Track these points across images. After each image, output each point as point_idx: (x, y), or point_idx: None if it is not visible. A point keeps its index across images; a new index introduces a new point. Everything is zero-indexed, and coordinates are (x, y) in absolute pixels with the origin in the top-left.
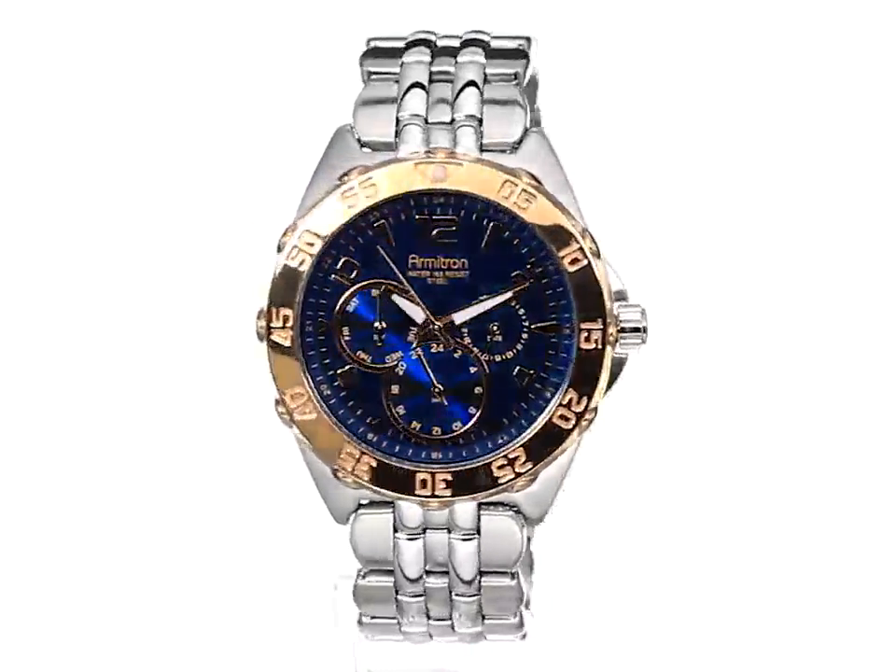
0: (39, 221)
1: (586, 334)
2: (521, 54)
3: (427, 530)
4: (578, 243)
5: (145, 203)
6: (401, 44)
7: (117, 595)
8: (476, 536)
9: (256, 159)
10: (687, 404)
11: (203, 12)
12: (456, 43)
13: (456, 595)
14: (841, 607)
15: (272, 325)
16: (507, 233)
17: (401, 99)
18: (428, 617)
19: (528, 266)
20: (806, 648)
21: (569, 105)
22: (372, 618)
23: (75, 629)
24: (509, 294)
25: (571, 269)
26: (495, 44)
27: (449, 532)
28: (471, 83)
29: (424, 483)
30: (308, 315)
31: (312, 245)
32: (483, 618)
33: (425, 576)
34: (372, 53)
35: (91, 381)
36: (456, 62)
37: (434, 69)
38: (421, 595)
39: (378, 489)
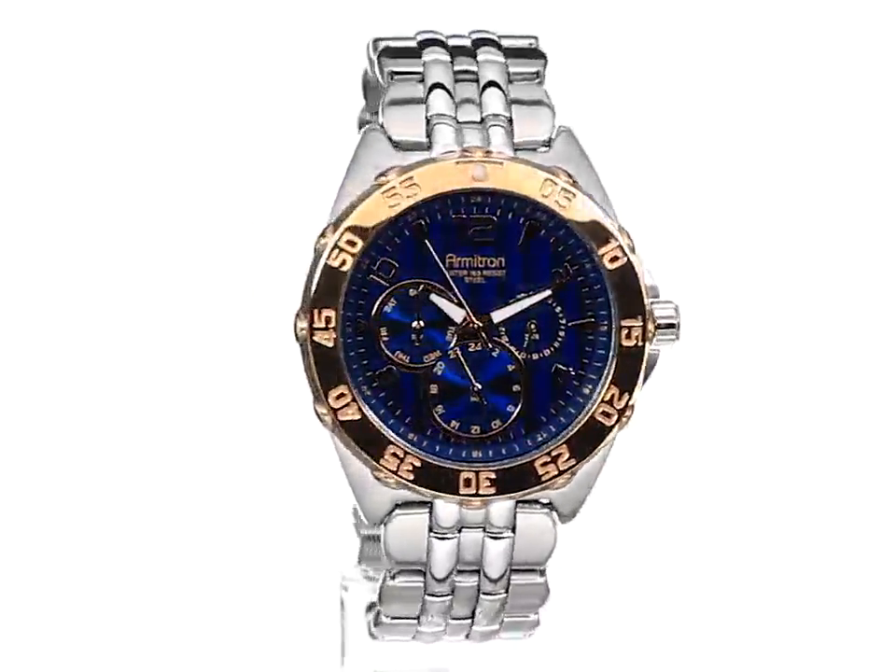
0: (65, 223)
1: (626, 331)
2: (538, 53)
3: (462, 529)
4: (617, 240)
5: (153, 208)
6: (413, 43)
7: (120, 593)
8: (511, 534)
9: (257, 159)
10: (698, 403)
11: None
12: (467, 42)
13: (483, 593)
14: (861, 617)
15: (314, 326)
16: (543, 231)
17: (427, 99)
18: (450, 616)
19: (565, 264)
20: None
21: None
22: (393, 618)
23: (83, 623)
24: (547, 292)
25: (611, 266)
26: (506, 43)
27: (483, 530)
28: (495, 82)
29: (468, 482)
30: (348, 315)
31: (353, 244)
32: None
33: (454, 575)
34: (390, 53)
35: (96, 376)
36: (476, 61)
37: (457, 68)
38: (449, 595)
39: (422, 489)
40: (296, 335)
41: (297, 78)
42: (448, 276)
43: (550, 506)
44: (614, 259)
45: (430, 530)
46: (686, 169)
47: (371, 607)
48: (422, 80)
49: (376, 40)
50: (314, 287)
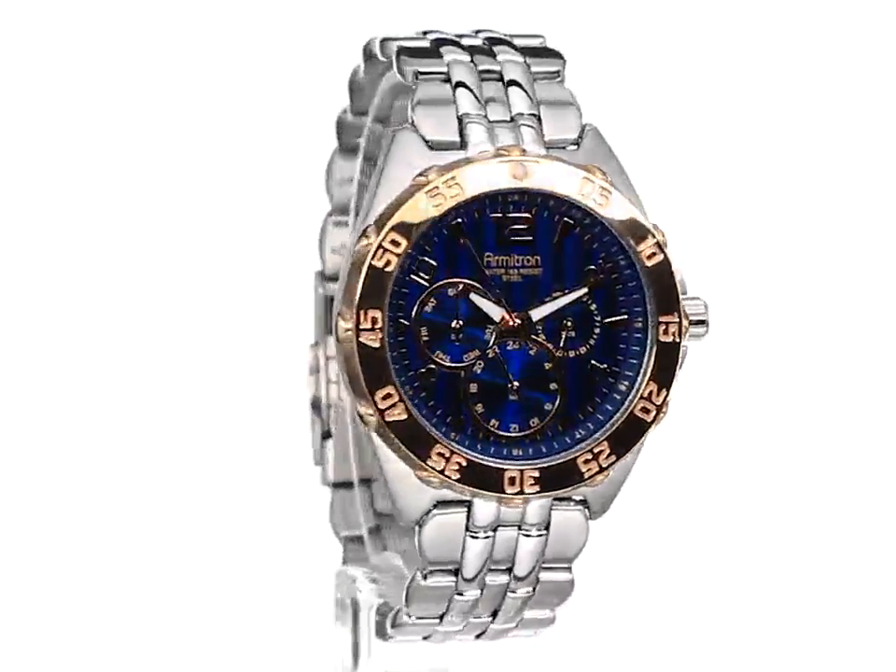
0: (69, 224)
1: (664, 327)
2: (555, 52)
3: (498, 528)
4: (654, 237)
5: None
6: (427, 43)
7: (113, 596)
8: (544, 531)
9: (232, 166)
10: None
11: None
12: (478, 42)
13: (511, 591)
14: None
15: (360, 327)
16: (578, 229)
17: (455, 98)
18: (472, 615)
19: (599, 262)
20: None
21: None
22: (417, 618)
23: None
24: (583, 290)
25: (649, 263)
26: (519, 42)
27: (518, 529)
28: (519, 82)
29: (512, 480)
30: (390, 315)
31: (398, 245)
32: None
33: (485, 574)
34: (411, 53)
35: (98, 374)
36: (497, 60)
37: (480, 68)
38: (477, 594)
39: (467, 488)
40: (337, 336)
41: (278, 79)
42: (489, 275)
43: (583, 502)
44: (651, 255)
45: (467, 529)
46: (686, 169)
47: (382, 608)
48: (446, 80)
49: (385, 40)
50: (359, 288)
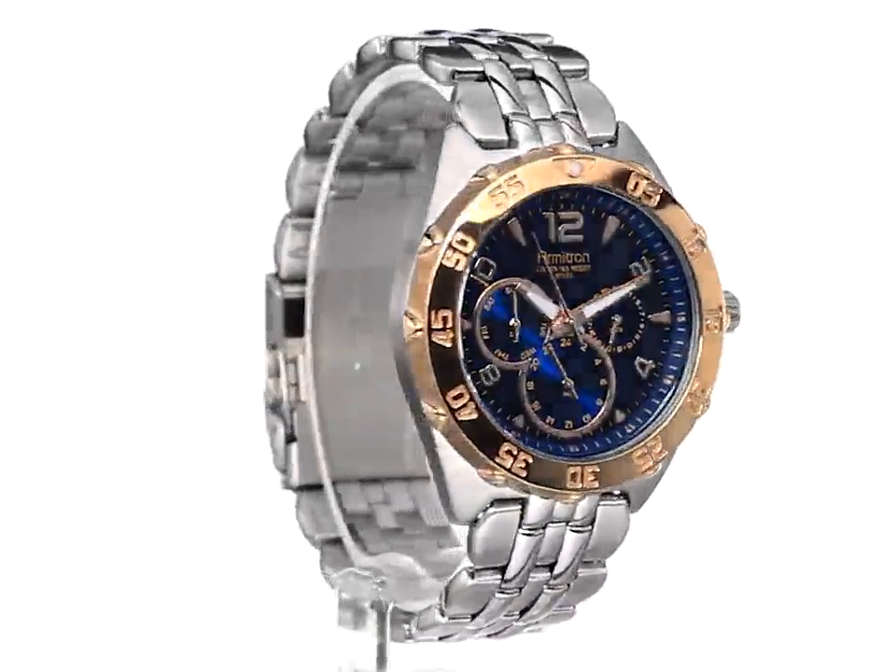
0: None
1: (708, 321)
2: (576, 52)
3: (548, 525)
4: (696, 233)
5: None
6: (446, 43)
7: (117, 595)
8: (590, 526)
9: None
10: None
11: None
12: (496, 41)
13: (548, 586)
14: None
15: (432, 327)
16: (623, 226)
17: (496, 97)
18: (504, 613)
19: (643, 258)
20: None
21: None
22: (450, 618)
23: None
24: (632, 286)
25: (694, 259)
26: (535, 41)
27: (566, 524)
28: (551, 80)
29: (574, 476)
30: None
31: (465, 244)
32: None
33: (529, 570)
34: (440, 52)
35: (46, 377)
36: (525, 59)
37: (513, 67)
38: (516, 591)
39: (533, 486)
40: (404, 336)
41: (231, 81)
42: (543, 273)
43: (625, 496)
44: (695, 252)
45: (519, 527)
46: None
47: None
48: (482, 79)
49: (396, 40)
50: (430, 288)
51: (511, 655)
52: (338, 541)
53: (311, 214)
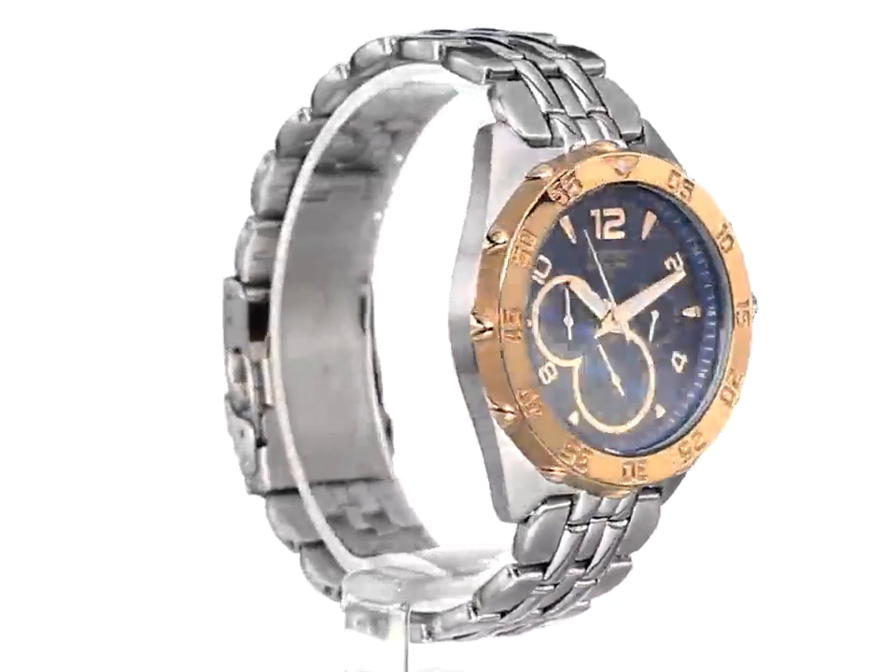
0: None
1: (738, 314)
2: (591, 52)
3: (591, 521)
4: (726, 228)
5: None
6: (464, 43)
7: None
8: (626, 521)
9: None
10: None
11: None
12: (509, 40)
13: (580, 581)
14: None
15: (505, 326)
16: (660, 222)
17: (533, 95)
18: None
19: (676, 253)
20: None
21: None
22: (482, 618)
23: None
24: (672, 282)
25: (726, 253)
26: (548, 41)
27: (607, 520)
28: (577, 79)
29: (626, 472)
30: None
31: (529, 243)
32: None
33: (567, 567)
34: (467, 51)
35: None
36: (548, 58)
37: (541, 66)
38: (552, 587)
39: (592, 482)
40: (470, 336)
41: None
42: (593, 270)
43: (658, 490)
44: (726, 246)
45: (566, 524)
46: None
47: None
48: (513, 78)
49: (402, 39)
50: (500, 288)
51: (511, 655)
52: (319, 544)
53: (277, 217)
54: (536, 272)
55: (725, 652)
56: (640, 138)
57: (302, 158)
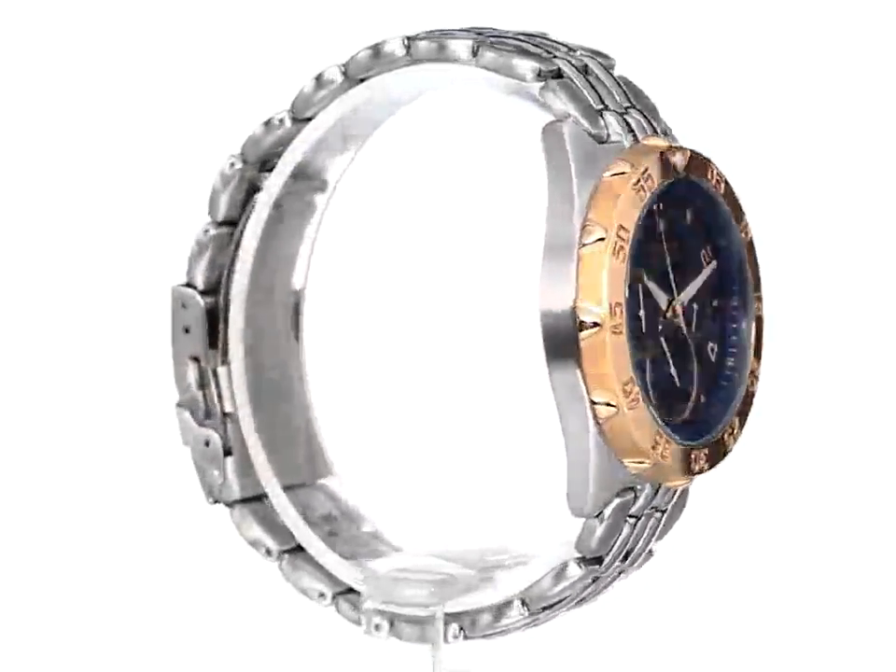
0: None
1: (757, 302)
2: (599, 50)
3: (645, 511)
4: (745, 218)
5: None
6: (486, 40)
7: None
8: (663, 512)
9: None
10: None
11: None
12: (524, 38)
13: (621, 572)
14: None
15: (611, 321)
16: (695, 215)
17: (585, 92)
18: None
19: (708, 245)
20: None
21: None
22: (528, 614)
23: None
24: (708, 272)
25: (745, 244)
26: (551, 38)
27: (656, 510)
28: (601, 77)
29: (691, 460)
30: None
31: (624, 238)
32: None
33: (617, 558)
34: (515, 52)
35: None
36: (577, 55)
37: (575, 64)
38: (594, 581)
39: (669, 471)
40: (574, 330)
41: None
42: (656, 263)
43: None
44: (747, 235)
45: (628, 515)
46: None
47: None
48: (557, 76)
49: (410, 38)
50: (605, 282)
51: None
52: (299, 549)
53: (233, 223)
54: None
55: (725, 652)
56: (667, 133)
57: (269, 165)
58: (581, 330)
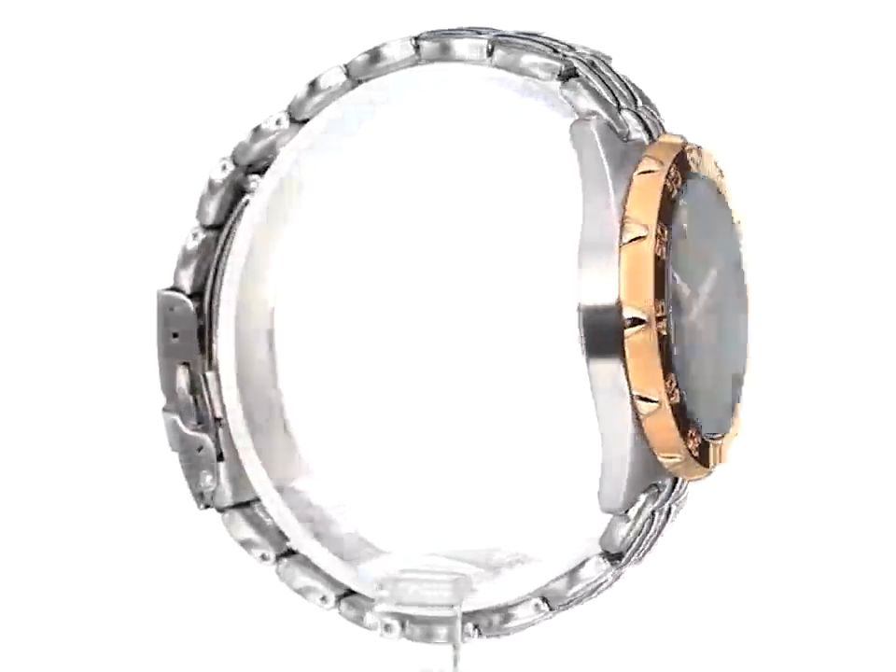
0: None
1: (749, 291)
2: (597, 51)
3: (662, 507)
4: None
5: None
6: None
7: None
8: (673, 506)
9: None
10: None
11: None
12: (529, 37)
13: (632, 564)
14: None
15: (657, 317)
16: (709, 209)
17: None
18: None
19: (712, 238)
20: None
21: None
22: (546, 611)
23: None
24: (716, 265)
25: (743, 234)
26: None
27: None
28: (608, 75)
29: (715, 453)
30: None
31: (664, 234)
32: None
33: (636, 551)
34: (535, 51)
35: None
36: (583, 55)
37: (586, 62)
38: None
39: (699, 466)
40: (621, 326)
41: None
42: (682, 259)
43: None
44: (742, 227)
45: (652, 511)
46: None
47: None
48: (571, 75)
49: (424, 40)
50: (651, 279)
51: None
52: (294, 553)
53: (219, 228)
54: None
55: (725, 653)
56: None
57: (258, 168)
58: (626, 328)
